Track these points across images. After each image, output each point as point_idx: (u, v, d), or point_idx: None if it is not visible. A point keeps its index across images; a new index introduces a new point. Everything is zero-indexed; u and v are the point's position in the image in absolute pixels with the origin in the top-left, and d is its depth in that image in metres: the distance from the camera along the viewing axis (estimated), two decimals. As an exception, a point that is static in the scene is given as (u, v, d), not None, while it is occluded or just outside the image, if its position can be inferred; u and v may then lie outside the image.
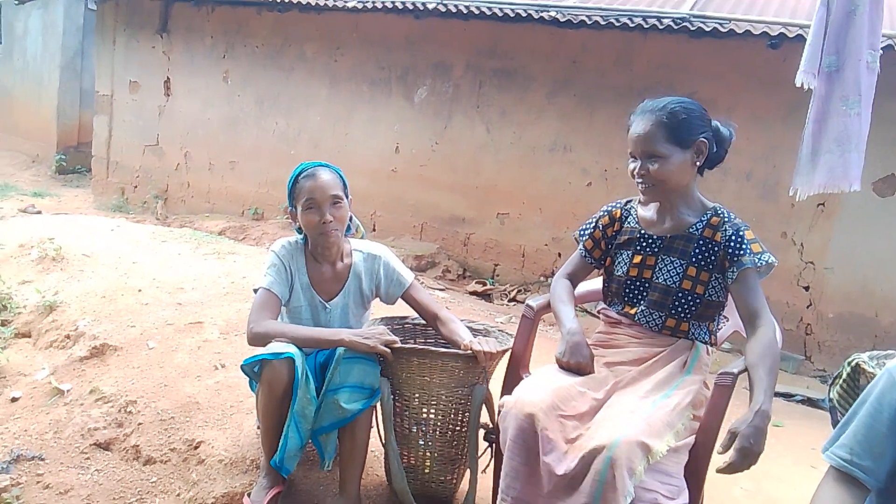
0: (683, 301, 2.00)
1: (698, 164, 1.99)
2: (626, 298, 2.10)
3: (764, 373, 1.79)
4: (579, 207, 5.90)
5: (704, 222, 2.02)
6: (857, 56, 2.94)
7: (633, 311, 2.08)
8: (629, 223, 2.13)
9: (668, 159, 1.95)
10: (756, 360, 1.83)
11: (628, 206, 2.18)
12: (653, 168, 1.95)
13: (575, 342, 2.02)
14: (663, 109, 1.96)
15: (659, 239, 2.05)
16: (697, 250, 1.99)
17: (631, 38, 5.61)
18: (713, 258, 1.98)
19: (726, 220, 2.00)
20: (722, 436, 1.89)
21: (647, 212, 2.12)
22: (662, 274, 2.03)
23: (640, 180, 1.99)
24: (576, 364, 1.99)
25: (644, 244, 2.07)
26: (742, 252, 1.94)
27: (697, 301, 2.00)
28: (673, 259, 2.02)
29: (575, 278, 2.25)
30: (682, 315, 2.02)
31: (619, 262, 2.12)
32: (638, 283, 2.07)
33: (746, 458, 1.69)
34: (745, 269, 1.93)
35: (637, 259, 2.07)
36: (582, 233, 2.23)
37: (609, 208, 2.20)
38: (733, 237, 1.96)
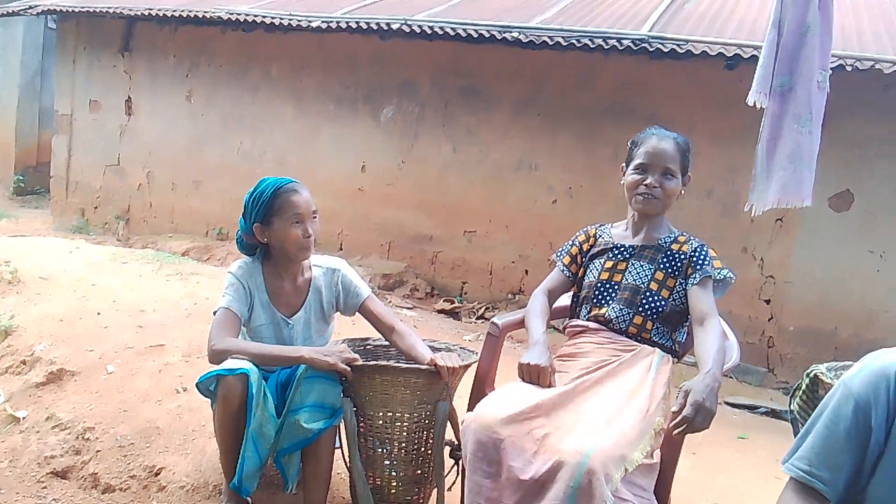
0: (651, 300, 2.13)
1: (682, 192, 2.21)
2: (595, 301, 2.20)
3: (713, 351, 1.92)
4: (546, 225, 5.95)
5: (672, 239, 2.21)
6: (808, 76, 3.03)
7: (602, 311, 2.16)
8: (602, 238, 2.30)
9: (676, 180, 2.18)
10: (705, 345, 1.96)
11: (602, 227, 2.36)
12: (666, 183, 2.16)
13: (538, 350, 2.08)
14: (678, 137, 2.21)
15: (630, 247, 2.22)
16: (665, 259, 2.17)
17: (592, 60, 5.71)
18: (679, 266, 2.15)
19: (692, 238, 2.22)
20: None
21: (619, 229, 2.30)
22: (632, 276, 2.17)
23: (648, 192, 2.16)
24: (535, 368, 2.01)
25: (616, 252, 2.23)
26: (705, 262, 2.13)
27: (662, 303, 2.13)
28: (643, 264, 2.18)
29: (552, 294, 2.34)
30: (649, 314, 2.12)
31: (590, 270, 2.26)
32: (608, 286, 2.19)
33: (699, 412, 1.74)
34: (706, 277, 2.11)
35: (609, 264, 2.22)
36: (559, 253, 2.38)
37: (586, 229, 2.38)
38: (698, 249, 2.17)
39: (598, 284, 2.20)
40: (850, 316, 5.09)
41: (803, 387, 2.02)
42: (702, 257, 2.14)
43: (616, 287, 2.18)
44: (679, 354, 2.22)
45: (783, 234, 5.25)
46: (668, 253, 2.18)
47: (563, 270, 2.33)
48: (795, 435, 1.75)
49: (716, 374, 1.82)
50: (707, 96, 5.36)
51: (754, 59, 3.95)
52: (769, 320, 5.32)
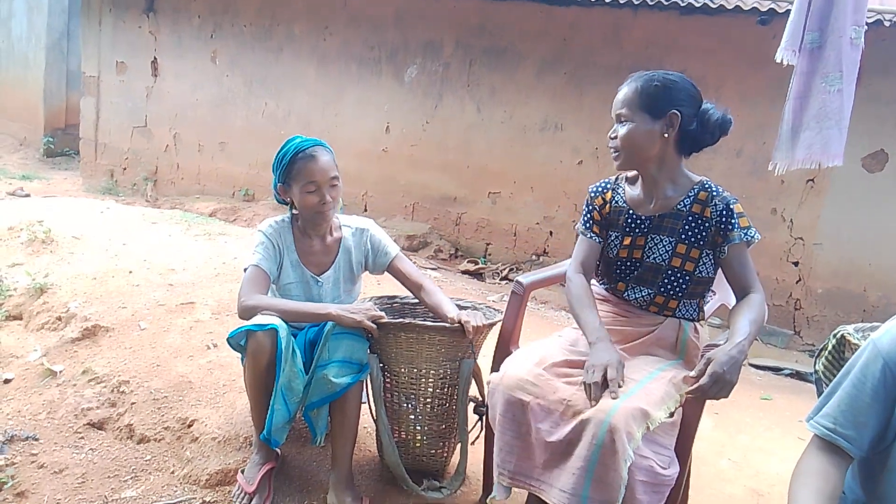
0: (673, 279, 2.02)
1: (667, 135, 1.97)
2: (615, 276, 2.13)
3: (746, 321, 1.83)
4: (570, 186, 5.91)
5: (692, 198, 2.01)
6: (839, 33, 2.94)
7: (621, 288, 2.11)
8: (616, 202, 2.12)
9: (636, 125, 1.97)
10: (740, 312, 1.87)
11: (617, 183, 2.17)
12: (620, 131, 1.99)
13: (604, 348, 1.87)
14: (644, 78, 1.99)
15: (648, 219, 2.05)
16: (687, 227, 2.00)
17: (621, 16, 5.59)
18: (704, 234, 1.99)
19: (715, 194, 2.00)
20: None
21: (635, 191, 2.11)
22: (653, 253, 2.04)
23: (610, 144, 2.03)
24: (606, 375, 1.80)
25: (633, 225, 2.07)
26: (732, 227, 1.95)
27: (687, 279, 2.01)
28: (662, 238, 2.03)
29: (587, 266, 2.13)
30: (671, 293, 2.03)
31: (610, 244, 2.12)
32: (629, 264, 2.09)
33: (716, 383, 1.71)
34: (735, 245, 1.95)
35: (627, 241, 2.07)
36: (586, 224, 2.16)
37: (599, 190, 2.16)
38: (724, 212, 1.96)
39: (618, 262, 2.09)
40: (880, 278, 5.02)
41: (829, 347, 2.01)
42: (728, 221, 1.95)
43: (637, 264, 2.06)
44: (704, 319, 2.19)
45: (813, 195, 5.15)
46: (690, 219, 1.99)
47: (591, 237, 2.14)
48: (819, 395, 1.75)
49: (743, 347, 1.76)
50: (738, 53, 5.22)
51: (788, 14, 3.85)
52: (797, 282, 5.26)
